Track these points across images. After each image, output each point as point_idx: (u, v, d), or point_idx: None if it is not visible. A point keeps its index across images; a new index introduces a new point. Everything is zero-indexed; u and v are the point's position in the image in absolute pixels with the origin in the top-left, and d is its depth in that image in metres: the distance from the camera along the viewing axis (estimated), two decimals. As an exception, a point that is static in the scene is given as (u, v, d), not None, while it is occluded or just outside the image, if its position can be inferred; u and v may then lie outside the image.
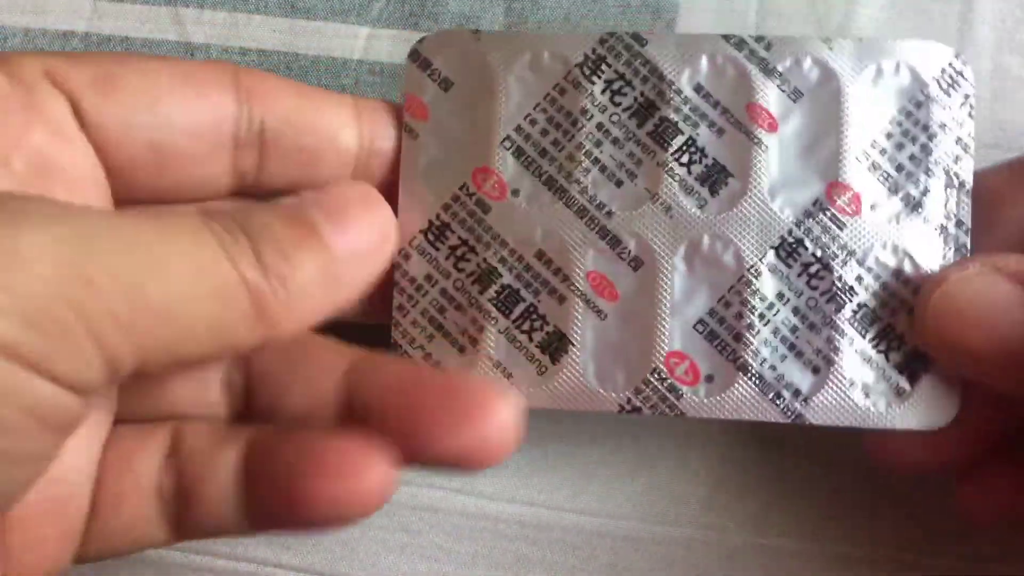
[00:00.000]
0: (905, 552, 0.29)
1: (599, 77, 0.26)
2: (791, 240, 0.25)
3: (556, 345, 0.25)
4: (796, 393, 0.25)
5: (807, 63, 0.25)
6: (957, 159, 0.25)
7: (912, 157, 0.25)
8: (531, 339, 0.25)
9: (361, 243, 0.23)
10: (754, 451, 0.29)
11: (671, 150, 0.25)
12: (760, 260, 0.25)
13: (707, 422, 0.25)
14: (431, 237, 0.26)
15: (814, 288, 0.25)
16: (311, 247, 0.22)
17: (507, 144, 0.26)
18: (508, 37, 0.26)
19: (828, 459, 0.29)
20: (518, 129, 0.26)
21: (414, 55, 0.26)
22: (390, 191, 0.26)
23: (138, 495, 0.23)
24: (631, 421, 0.30)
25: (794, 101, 0.25)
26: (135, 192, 0.24)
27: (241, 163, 0.25)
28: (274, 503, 0.22)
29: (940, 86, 0.25)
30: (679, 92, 0.25)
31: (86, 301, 0.18)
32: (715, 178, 0.25)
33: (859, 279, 0.25)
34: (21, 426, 0.18)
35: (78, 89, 0.23)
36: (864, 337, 0.25)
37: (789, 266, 0.25)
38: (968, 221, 0.25)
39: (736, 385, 0.25)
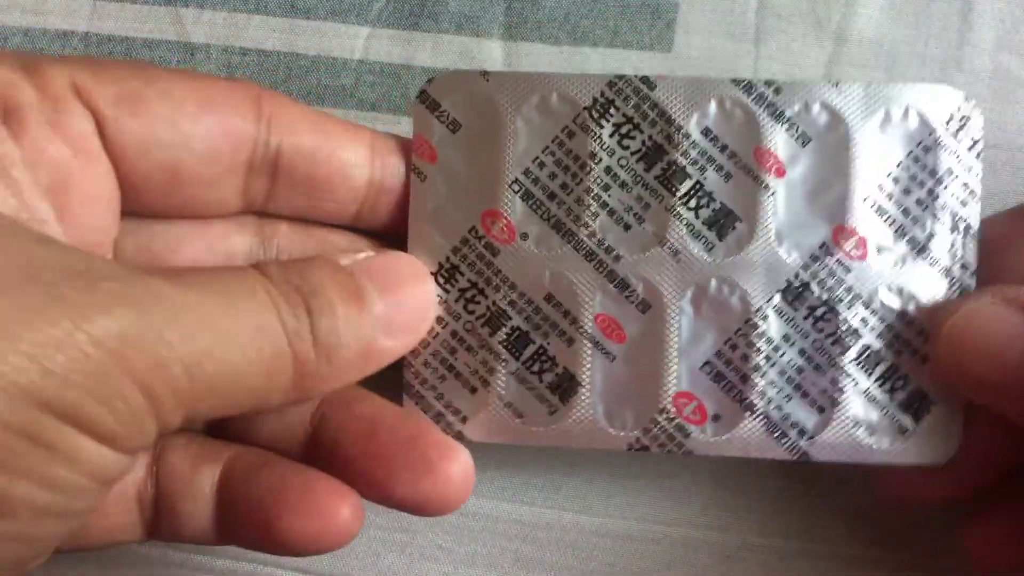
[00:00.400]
0: (904, 551, 0.29)
1: (608, 120, 0.26)
2: (797, 284, 0.25)
3: (566, 386, 0.26)
4: (801, 432, 0.25)
5: (816, 108, 0.25)
6: (964, 203, 0.25)
7: (919, 201, 0.25)
8: (541, 380, 0.26)
9: (405, 321, 0.24)
10: None
11: (679, 194, 0.25)
12: (766, 303, 0.25)
13: (714, 459, 0.26)
14: (441, 279, 0.26)
15: (820, 330, 0.25)
16: (360, 322, 0.23)
17: (515, 187, 0.26)
18: (516, 78, 0.26)
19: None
20: (526, 172, 0.26)
21: (423, 96, 0.26)
22: (396, 229, 0.27)
23: (122, 504, 0.24)
24: None
25: (802, 146, 0.25)
26: (144, 208, 0.25)
27: (252, 188, 0.25)
28: (247, 529, 0.24)
29: (949, 130, 0.25)
30: (687, 136, 0.25)
31: (154, 382, 0.19)
32: (722, 222, 0.25)
33: (864, 321, 0.25)
34: (85, 488, 0.20)
35: (103, 106, 0.23)
36: (869, 377, 0.25)
37: (795, 309, 0.25)
38: (974, 264, 0.25)
39: (742, 424, 0.25)
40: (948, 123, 0.25)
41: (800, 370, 0.25)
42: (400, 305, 0.24)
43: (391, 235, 0.27)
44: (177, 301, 0.20)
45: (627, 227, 0.26)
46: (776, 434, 0.25)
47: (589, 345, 0.26)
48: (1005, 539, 0.25)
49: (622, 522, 0.30)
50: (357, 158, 0.26)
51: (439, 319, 0.26)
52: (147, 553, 0.31)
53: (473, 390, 0.26)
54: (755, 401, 0.25)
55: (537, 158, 0.26)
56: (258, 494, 0.24)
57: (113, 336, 0.19)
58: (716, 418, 0.25)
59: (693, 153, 0.25)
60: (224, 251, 0.26)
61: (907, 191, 0.25)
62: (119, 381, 0.19)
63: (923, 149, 0.25)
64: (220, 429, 0.26)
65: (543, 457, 0.30)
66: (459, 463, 0.24)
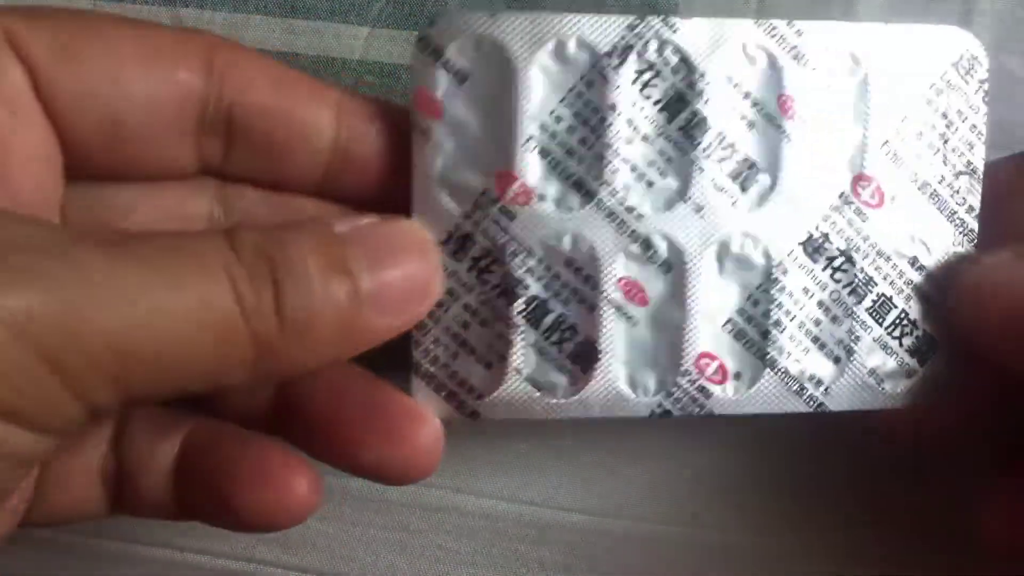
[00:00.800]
0: (904, 550, 0.30)
1: (628, 68, 0.23)
2: (818, 235, 0.25)
3: (587, 355, 0.24)
4: (818, 384, 0.25)
5: (838, 51, 0.24)
6: (971, 146, 0.25)
7: (931, 145, 0.25)
8: (561, 350, 0.24)
9: (399, 297, 0.22)
10: (755, 451, 0.30)
11: (702, 146, 0.24)
12: (788, 256, 0.24)
13: (730, 418, 0.25)
14: (452, 249, 0.23)
15: (837, 281, 0.25)
16: (341, 297, 0.21)
17: (531, 144, 0.23)
18: (528, 19, 0.23)
19: (827, 459, 0.30)
20: (543, 127, 0.23)
21: (423, 42, 0.23)
22: (372, 198, 0.24)
23: (85, 477, 0.24)
24: (631, 421, 0.29)
25: (823, 92, 0.24)
26: (91, 168, 0.23)
27: (205, 148, 0.23)
28: (205, 504, 0.24)
29: (958, 72, 0.25)
30: (710, 84, 0.24)
31: (68, 361, 0.18)
32: (745, 174, 0.24)
33: (879, 269, 0.25)
34: (1, 469, 0.19)
35: (37, 58, 0.21)
36: (881, 325, 0.25)
37: (815, 261, 0.25)
38: (977, 206, 0.25)
39: (762, 381, 0.25)
40: (957, 64, 0.25)
41: (818, 322, 0.25)
42: (395, 279, 0.22)
43: (369, 203, 0.24)
44: (103, 274, 0.18)
45: (650, 184, 0.24)
46: (795, 388, 0.25)
47: (612, 311, 0.24)
48: (1019, 518, 0.26)
49: (623, 522, 0.30)
50: (319, 119, 0.23)
51: (450, 292, 0.24)
52: (148, 553, 0.31)
53: (488, 365, 0.24)
54: (775, 356, 0.25)
55: (554, 111, 0.23)
56: (214, 468, 0.23)
57: (17, 313, 0.17)
58: (737, 376, 0.25)
59: (716, 102, 0.24)
60: (180, 216, 0.24)
61: (920, 135, 0.25)
62: (25, 360, 0.17)
63: (936, 91, 0.25)
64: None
65: (544, 456, 0.30)
66: (427, 430, 0.24)
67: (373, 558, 0.30)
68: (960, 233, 0.25)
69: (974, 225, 0.25)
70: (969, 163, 0.25)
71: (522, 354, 0.24)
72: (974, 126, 0.25)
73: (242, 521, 0.23)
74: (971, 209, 0.25)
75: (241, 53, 0.23)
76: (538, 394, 0.24)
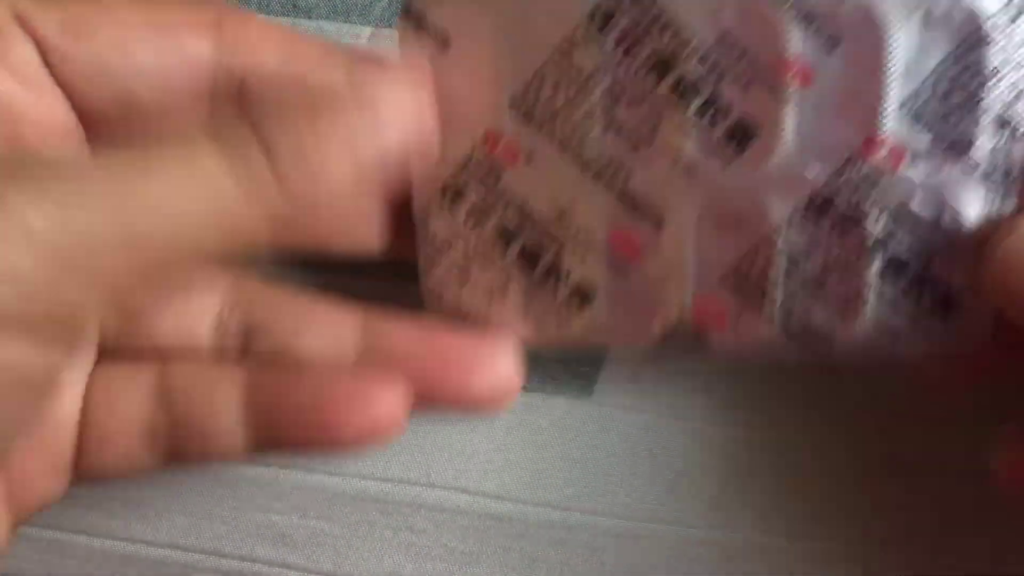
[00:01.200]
0: (905, 551, 0.29)
1: (612, 30, 0.23)
2: (820, 199, 0.24)
3: (581, 299, 0.25)
4: (825, 339, 0.25)
5: (847, 6, 0.22)
6: (1010, 105, 0.22)
7: (959, 105, 0.23)
8: (556, 297, 0.26)
9: (396, 119, 0.22)
10: (759, 451, 0.30)
11: (692, 108, 0.23)
12: (788, 217, 0.24)
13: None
14: (448, 200, 0.25)
15: (843, 245, 0.24)
16: (334, 137, 0.21)
17: (516, 105, 0.24)
18: None
19: (831, 459, 0.29)
20: (527, 88, 0.24)
21: (407, 12, 0.24)
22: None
23: (126, 436, 0.24)
24: (636, 421, 0.30)
25: (830, 50, 0.23)
26: (109, 138, 0.23)
27: (218, 115, 0.24)
28: (293, 434, 0.24)
29: (998, 24, 0.22)
30: (701, 43, 0.23)
31: (82, 269, 0.18)
32: (740, 136, 0.23)
33: (891, 234, 0.24)
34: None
35: (47, 34, 0.22)
36: (895, 287, 0.24)
37: (818, 224, 0.24)
38: (1017, 169, 0.23)
39: (762, 331, 0.25)
40: (996, 16, 0.22)
41: (821, 284, 0.24)
42: (385, 104, 0.22)
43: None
44: (108, 186, 0.19)
45: (637, 145, 0.24)
46: (800, 341, 0.25)
47: (602, 260, 0.25)
48: None
49: (628, 522, 0.30)
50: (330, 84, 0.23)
51: (452, 236, 0.25)
52: (150, 553, 0.31)
53: (490, 302, 0.26)
54: (775, 311, 0.25)
55: (537, 73, 0.24)
56: (303, 396, 0.23)
57: (39, 228, 0.17)
58: (736, 326, 0.25)
59: (707, 62, 0.23)
60: None
61: (947, 94, 0.23)
62: (47, 273, 0.18)
63: (967, 47, 0.22)
64: (240, 353, 0.25)
65: (549, 456, 0.30)
66: (510, 355, 0.24)
67: (378, 558, 0.31)
68: (996, 196, 0.23)
69: (1014, 188, 0.23)
70: (1007, 122, 0.23)
71: (519, 294, 0.26)
72: (1014, 84, 0.22)
73: (340, 441, 0.23)
74: (1008, 172, 0.23)
75: (249, 20, 0.23)
76: (536, 330, 0.26)
